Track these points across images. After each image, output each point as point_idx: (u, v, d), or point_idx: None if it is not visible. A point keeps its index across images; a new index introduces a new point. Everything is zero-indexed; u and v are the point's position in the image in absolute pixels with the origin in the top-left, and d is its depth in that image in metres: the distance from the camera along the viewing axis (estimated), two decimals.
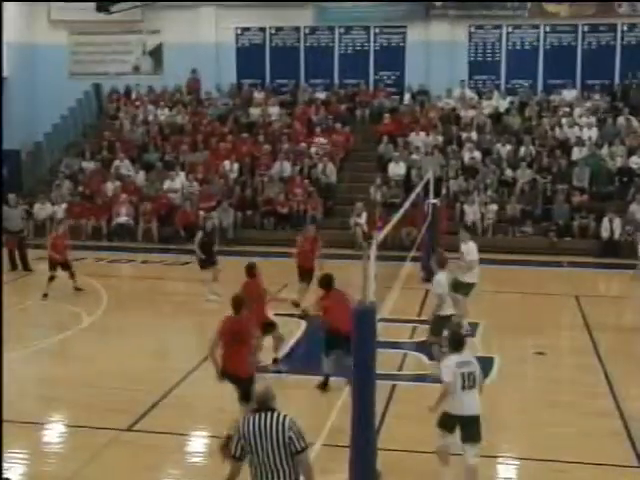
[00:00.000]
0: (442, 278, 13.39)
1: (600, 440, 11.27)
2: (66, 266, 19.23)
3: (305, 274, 17.58)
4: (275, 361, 13.92)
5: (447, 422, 9.70)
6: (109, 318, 17.22)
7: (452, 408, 9.62)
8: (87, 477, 10.16)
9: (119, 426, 11.49)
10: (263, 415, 7.13)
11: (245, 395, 10.68)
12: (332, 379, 12.72)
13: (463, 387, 9.56)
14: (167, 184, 27.09)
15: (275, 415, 7.12)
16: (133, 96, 31.95)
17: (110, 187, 27.25)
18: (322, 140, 28.03)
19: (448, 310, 13.34)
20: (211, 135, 29.07)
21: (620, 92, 29.51)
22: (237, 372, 10.84)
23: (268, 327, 13.57)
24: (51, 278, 18.86)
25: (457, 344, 9.93)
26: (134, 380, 13.43)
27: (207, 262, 18.61)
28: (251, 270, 13.82)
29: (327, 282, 13.09)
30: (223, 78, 31.64)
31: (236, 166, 27.57)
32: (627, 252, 22.44)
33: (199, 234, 19.07)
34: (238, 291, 12.22)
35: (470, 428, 9.53)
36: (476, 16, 30.53)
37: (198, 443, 11.61)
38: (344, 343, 11.19)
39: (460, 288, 15.02)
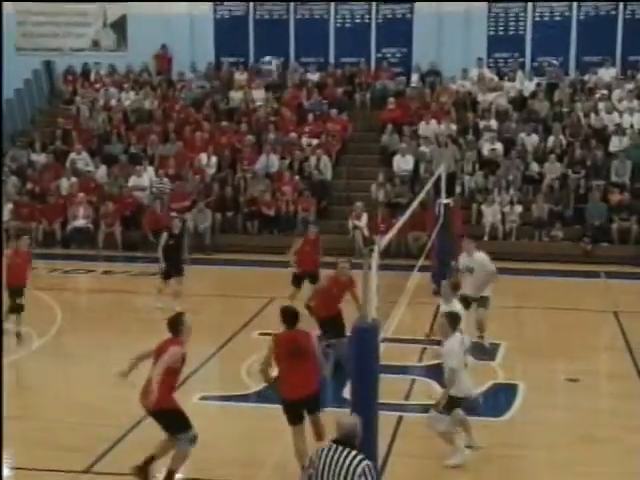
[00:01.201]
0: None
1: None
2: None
3: (306, 278, 17.92)
4: None
5: (451, 405, 11.00)
6: (64, 339, 17.17)
7: (458, 391, 10.91)
8: None
9: (75, 467, 11.43)
10: (340, 449, 7.44)
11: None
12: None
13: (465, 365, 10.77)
14: (133, 181, 27.07)
15: (352, 454, 7.40)
16: (92, 77, 31.93)
17: (65, 184, 27.21)
18: (313, 141, 28.02)
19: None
20: (185, 123, 29.08)
21: None
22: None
23: None
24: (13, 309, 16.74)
25: (455, 323, 11.31)
26: (93, 413, 13.37)
27: (171, 271, 18.66)
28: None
29: (289, 318, 11.19)
30: (198, 56, 31.66)
31: (214, 160, 27.57)
32: None
33: (164, 236, 19.06)
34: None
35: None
36: None
37: None
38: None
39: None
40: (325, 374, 11.85)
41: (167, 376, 10.67)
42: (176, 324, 11.20)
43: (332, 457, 7.40)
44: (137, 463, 10.67)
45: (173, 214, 25.52)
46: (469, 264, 16.14)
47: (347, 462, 7.34)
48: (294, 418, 10.68)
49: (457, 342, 11.41)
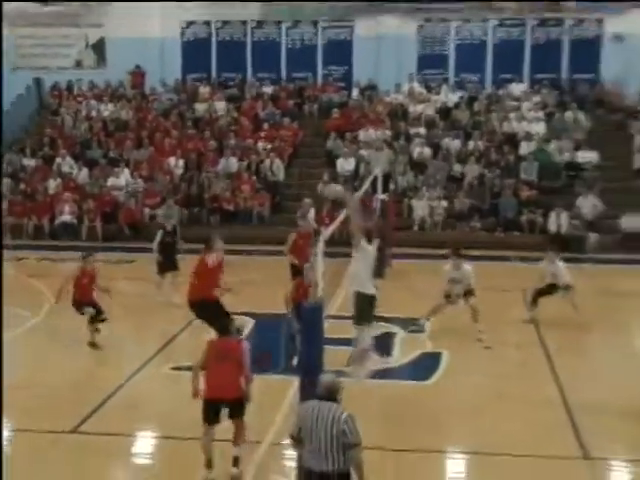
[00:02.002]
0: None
1: (546, 431, 11.54)
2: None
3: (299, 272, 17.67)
4: None
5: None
6: (53, 319, 17.12)
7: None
8: (33, 476, 10.17)
9: (63, 428, 11.50)
10: (324, 404, 7.59)
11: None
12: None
13: None
14: (111, 181, 26.97)
15: (334, 407, 7.56)
16: (75, 91, 31.73)
17: (52, 185, 27.06)
18: (267, 146, 28.02)
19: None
20: (156, 131, 29.01)
21: (568, 87, 29.96)
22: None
23: None
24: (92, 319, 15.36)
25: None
26: (78, 382, 13.43)
27: (167, 266, 18.10)
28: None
29: (222, 327, 10.63)
30: (168, 73, 31.58)
31: (181, 162, 27.53)
32: (575, 246, 22.92)
33: (159, 233, 18.43)
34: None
35: None
36: (424, 10, 30.75)
37: (144, 444, 11.61)
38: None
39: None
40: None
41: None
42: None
43: (319, 410, 7.55)
44: None
45: (147, 210, 25.58)
46: (456, 276, 16.15)
47: (332, 413, 7.50)
48: (207, 417, 10.03)
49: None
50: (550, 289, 16.84)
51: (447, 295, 15.94)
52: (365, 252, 13.03)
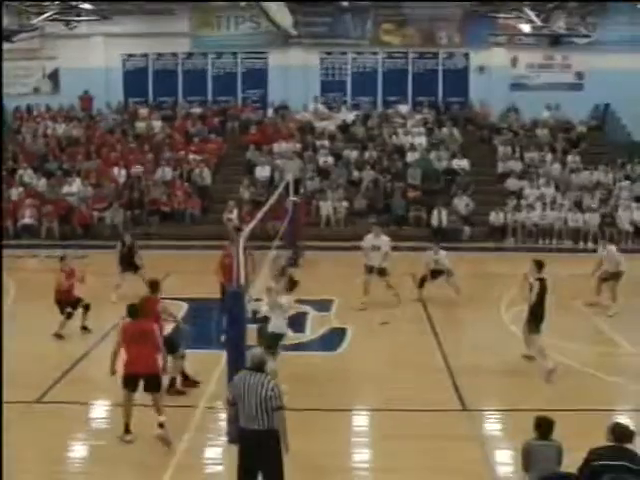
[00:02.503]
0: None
1: (433, 390, 11.60)
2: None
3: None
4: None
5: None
6: (17, 306, 16.59)
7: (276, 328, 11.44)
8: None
9: (29, 399, 11.13)
10: (253, 374, 7.66)
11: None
12: None
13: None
14: (65, 189, 26.26)
15: (262, 376, 7.66)
16: (34, 113, 30.89)
17: (15, 193, 26.23)
18: (197, 157, 27.60)
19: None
20: (103, 146, 28.31)
21: (443, 107, 30.23)
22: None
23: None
24: (68, 316, 14.71)
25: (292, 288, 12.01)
26: (40, 359, 13.02)
27: (129, 270, 17.09)
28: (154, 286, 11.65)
29: (133, 311, 10.28)
30: (112, 97, 30.94)
31: (124, 172, 26.96)
32: (452, 237, 23.16)
33: (117, 246, 17.47)
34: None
35: None
36: (326, 44, 30.72)
37: (100, 410, 11.39)
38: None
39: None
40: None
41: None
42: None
43: (250, 379, 7.61)
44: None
45: (95, 213, 25.03)
46: (375, 243, 16.50)
47: (261, 381, 7.58)
48: (126, 387, 9.91)
49: (285, 300, 11.70)
50: (435, 274, 16.88)
51: (368, 269, 16.37)
52: (280, 308, 11.62)
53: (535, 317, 12.34)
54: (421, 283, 17.06)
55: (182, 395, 11.25)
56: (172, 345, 10.99)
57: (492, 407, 11.25)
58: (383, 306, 16.38)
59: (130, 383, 9.87)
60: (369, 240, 16.70)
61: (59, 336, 14.43)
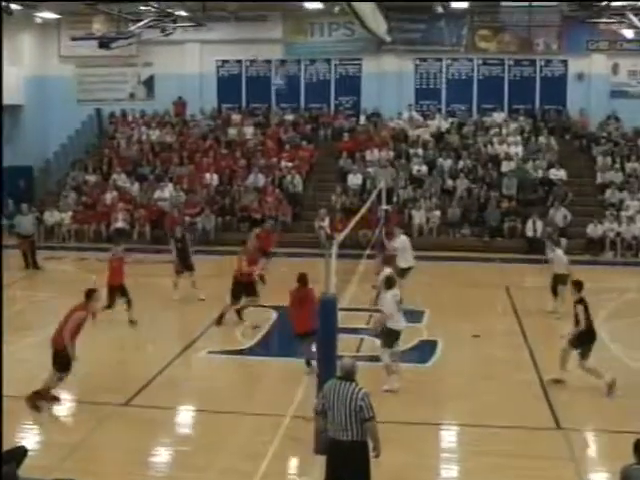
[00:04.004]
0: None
1: (525, 404, 11.40)
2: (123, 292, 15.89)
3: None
4: None
5: (392, 338, 11.90)
6: (113, 311, 16.94)
7: (395, 325, 11.93)
8: (91, 444, 10.04)
9: (118, 401, 11.36)
10: (344, 383, 7.57)
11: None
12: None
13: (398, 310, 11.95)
14: (157, 194, 26.87)
15: (353, 385, 7.56)
16: (129, 119, 31.68)
17: (109, 197, 26.97)
18: (289, 164, 27.82)
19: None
20: (195, 151, 28.85)
21: (540, 115, 29.72)
22: None
23: None
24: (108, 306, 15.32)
25: (390, 284, 12.19)
26: (128, 363, 13.29)
27: (183, 268, 17.66)
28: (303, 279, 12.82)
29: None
30: (205, 103, 31.47)
31: (216, 177, 27.39)
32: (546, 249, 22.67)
33: (171, 242, 18.10)
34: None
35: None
36: (420, 51, 30.58)
37: (184, 416, 11.51)
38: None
39: None
40: None
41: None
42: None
43: (339, 389, 7.53)
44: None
45: (187, 218, 25.47)
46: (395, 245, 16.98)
47: (351, 391, 7.49)
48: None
49: (390, 295, 12.11)
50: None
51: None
52: (385, 300, 12.25)
53: (588, 340, 11.95)
54: (553, 291, 16.55)
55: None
56: None
57: (588, 427, 10.90)
58: (475, 318, 16.17)
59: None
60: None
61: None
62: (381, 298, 12.55)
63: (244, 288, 15.63)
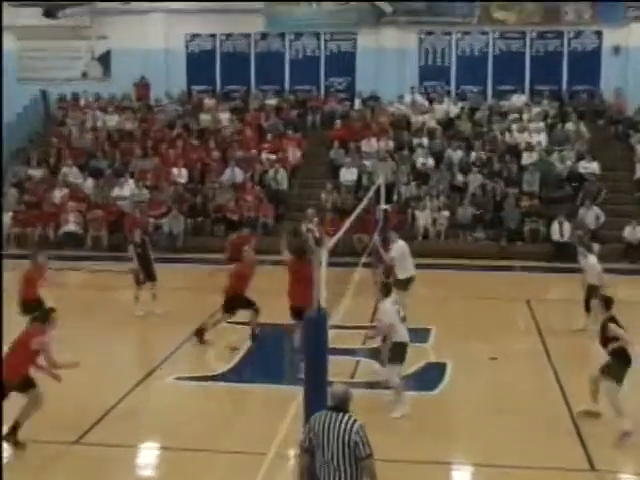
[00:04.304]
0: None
1: (551, 443, 11.29)
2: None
3: None
4: None
5: (400, 352, 12.09)
6: (56, 329, 16.83)
7: (401, 337, 12.12)
8: None
9: (67, 439, 11.24)
10: (335, 414, 7.39)
11: None
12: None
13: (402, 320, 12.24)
14: (116, 191, 26.84)
15: (346, 417, 7.37)
16: (81, 102, 31.63)
17: (57, 195, 26.89)
18: (271, 157, 27.83)
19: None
20: (161, 141, 28.85)
21: (568, 98, 29.79)
22: None
23: None
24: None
25: (388, 291, 12.54)
26: (79, 394, 13.15)
27: (144, 277, 17.68)
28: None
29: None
30: (173, 85, 31.49)
31: (185, 172, 27.34)
32: (575, 255, 22.61)
33: (130, 248, 18.05)
34: None
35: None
36: (426, 22, 30.64)
37: (145, 455, 11.39)
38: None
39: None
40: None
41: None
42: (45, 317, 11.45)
43: (330, 421, 7.35)
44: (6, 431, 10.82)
45: (151, 220, 25.41)
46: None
47: (343, 423, 7.31)
48: None
49: (388, 303, 12.37)
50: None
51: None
52: (383, 309, 12.49)
53: (623, 364, 11.88)
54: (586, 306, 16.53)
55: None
56: None
57: (628, 469, 10.85)
58: (491, 337, 16.13)
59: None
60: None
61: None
62: (379, 308, 12.69)
63: (239, 300, 15.59)
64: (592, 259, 16.67)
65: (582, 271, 16.79)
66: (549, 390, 13.47)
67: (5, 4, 28.89)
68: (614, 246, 23.91)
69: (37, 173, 28.30)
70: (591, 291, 16.19)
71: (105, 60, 32.36)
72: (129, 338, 16.87)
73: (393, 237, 17.05)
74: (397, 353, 12.19)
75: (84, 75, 32.49)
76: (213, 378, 13.96)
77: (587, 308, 16.39)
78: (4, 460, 10.37)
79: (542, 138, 27.64)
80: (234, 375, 14.06)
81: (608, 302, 12.30)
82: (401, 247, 16.76)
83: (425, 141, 28.05)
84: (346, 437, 7.27)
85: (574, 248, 23.09)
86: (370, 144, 27.99)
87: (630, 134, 27.76)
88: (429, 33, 30.99)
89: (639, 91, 28.88)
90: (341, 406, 7.50)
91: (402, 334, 12.26)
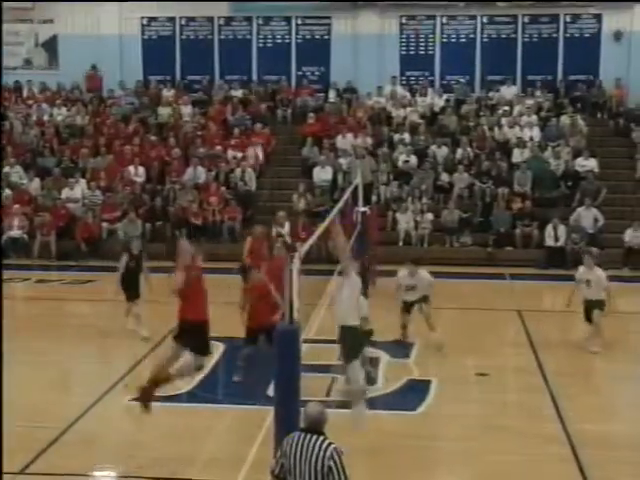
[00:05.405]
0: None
1: (547, 468, 11.44)
2: None
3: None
4: None
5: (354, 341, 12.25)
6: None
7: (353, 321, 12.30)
8: None
9: (11, 469, 11.23)
10: (308, 437, 7.41)
11: None
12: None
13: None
14: (66, 193, 26.80)
15: (320, 439, 7.38)
16: (25, 93, 31.55)
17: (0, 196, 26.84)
18: (238, 154, 27.93)
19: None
20: (115, 138, 28.84)
21: (564, 89, 30.03)
22: None
23: None
24: None
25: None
26: (27, 416, 13.18)
27: (131, 294, 17.27)
28: None
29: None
30: (127, 74, 31.49)
31: (142, 170, 27.34)
32: (573, 262, 22.85)
33: (124, 258, 17.51)
34: None
35: None
36: (407, 6, 30.82)
37: None
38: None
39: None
40: None
41: None
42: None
43: (302, 444, 7.38)
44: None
45: (104, 224, 25.42)
46: (411, 282, 16.56)
47: (317, 447, 7.33)
48: None
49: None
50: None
51: (404, 304, 16.45)
52: (352, 281, 12.66)
53: None
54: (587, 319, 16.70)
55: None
56: None
57: None
58: (479, 351, 16.28)
59: None
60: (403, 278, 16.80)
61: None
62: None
63: None
64: (599, 271, 16.57)
65: (581, 284, 16.63)
66: (543, 408, 13.61)
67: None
68: (614, 251, 24.18)
69: None
70: (593, 305, 16.33)
71: (51, 46, 32.27)
72: (84, 354, 16.86)
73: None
74: (353, 344, 12.30)
75: (27, 63, 32.42)
76: (175, 398, 14.03)
77: (589, 320, 16.55)
78: None
79: (535, 133, 27.89)
80: (200, 394, 14.12)
81: None
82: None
83: (407, 137, 28.23)
84: (319, 463, 7.28)
85: (570, 254, 23.56)
86: (346, 140, 28.11)
87: (632, 128, 28.05)
88: (411, 17, 31.16)
89: None
90: (315, 427, 7.53)
91: (355, 317, 12.45)
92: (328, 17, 31.27)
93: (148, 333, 16.98)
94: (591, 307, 16.36)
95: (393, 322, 17.00)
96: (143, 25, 32.04)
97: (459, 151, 27.43)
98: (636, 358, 16.23)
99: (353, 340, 12.40)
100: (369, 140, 28.15)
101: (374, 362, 15.34)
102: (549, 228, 24.40)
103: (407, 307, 16.67)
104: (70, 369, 15.91)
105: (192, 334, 11.59)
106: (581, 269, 16.72)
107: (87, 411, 13.30)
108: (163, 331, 16.16)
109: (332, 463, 7.27)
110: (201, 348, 11.75)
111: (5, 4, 27.69)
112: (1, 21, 19.74)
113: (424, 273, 16.59)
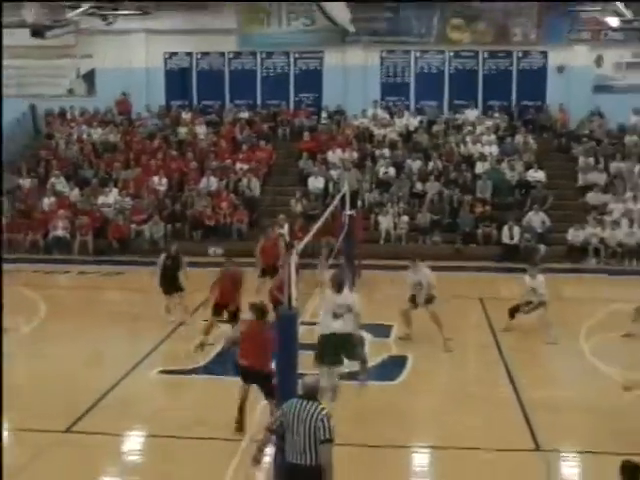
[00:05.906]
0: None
1: (502, 427, 11.56)
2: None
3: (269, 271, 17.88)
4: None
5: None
6: (47, 326, 16.98)
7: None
8: (32, 474, 10.01)
9: (58, 428, 11.33)
10: (305, 402, 7.68)
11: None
12: None
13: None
14: (101, 199, 26.82)
15: (315, 405, 7.67)
16: (68, 117, 31.56)
17: (46, 203, 26.84)
18: (244, 166, 27.93)
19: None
20: (142, 153, 28.84)
21: (517, 112, 30.13)
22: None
23: None
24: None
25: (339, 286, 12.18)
26: (69, 384, 13.26)
27: (169, 289, 16.95)
28: None
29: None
30: (153, 100, 31.46)
31: (164, 180, 27.35)
32: (525, 256, 22.99)
33: (161, 257, 17.14)
34: None
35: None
36: (387, 42, 30.83)
37: (135, 442, 11.49)
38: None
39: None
40: None
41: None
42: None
43: (299, 407, 7.63)
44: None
45: (133, 226, 25.48)
46: (416, 278, 15.79)
47: (311, 411, 7.58)
48: None
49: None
50: (526, 305, 16.21)
51: (412, 299, 15.69)
52: (325, 300, 12.44)
53: None
54: (512, 314, 16.44)
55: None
56: None
57: (570, 448, 11.07)
58: (447, 332, 16.33)
59: None
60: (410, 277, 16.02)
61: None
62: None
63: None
64: (541, 278, 16.21)
65: (528, 290, 16.23)
66: (500, 379, 13.73)
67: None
68: (559, 248, 24.28)
69: (27, 183, 28.20)
70: (526, 304, 16.27)
71: (90, 77, 32.24)
72: (116, 334, 16.95)
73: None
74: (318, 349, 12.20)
75: (70, 92, 32.40)
76: (194, 371, 14.11)
77: (512, 315, 16.42)
78: None
79: (494, 149, 27.92)
80: (213, 368, 14.19)
81: None
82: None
83: (387, 152, 28.21)
84: (312, 421, 7.52)
85: (523, 250, 23.68)
86: (336, 155, 28.10)
87: (572, 146, 28.13)
88: (390, 52, 31.16)
89: (580, 107, 29.21)
90: (310, 395, 7.76)
91: (325, 325, 12.25)
92: (321, 51, 31.25)
93: (183, 318, 16.93)
94: (519, 307, 16.29)
95: (375, 308, 17.09)
96: (165, 59, 32.03)
97: (430, 164, 27.41)
98: (576, 336, 16.30)
99: (320, 348, 12.29)
100: (355, 154, 28.14)
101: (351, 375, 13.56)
102: (505, 229, 24.45)
103: (414, 302, 15.70)
104: (105, 347, 15.97)
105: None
106: (527, 279, 16.34)
107: (119, 382, 13.40)
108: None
109: (321, 424, 7.51)
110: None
111: (50, 41, 27.73)
112: (1, 21, 19.64)
113: (426, 269, 15.98)
